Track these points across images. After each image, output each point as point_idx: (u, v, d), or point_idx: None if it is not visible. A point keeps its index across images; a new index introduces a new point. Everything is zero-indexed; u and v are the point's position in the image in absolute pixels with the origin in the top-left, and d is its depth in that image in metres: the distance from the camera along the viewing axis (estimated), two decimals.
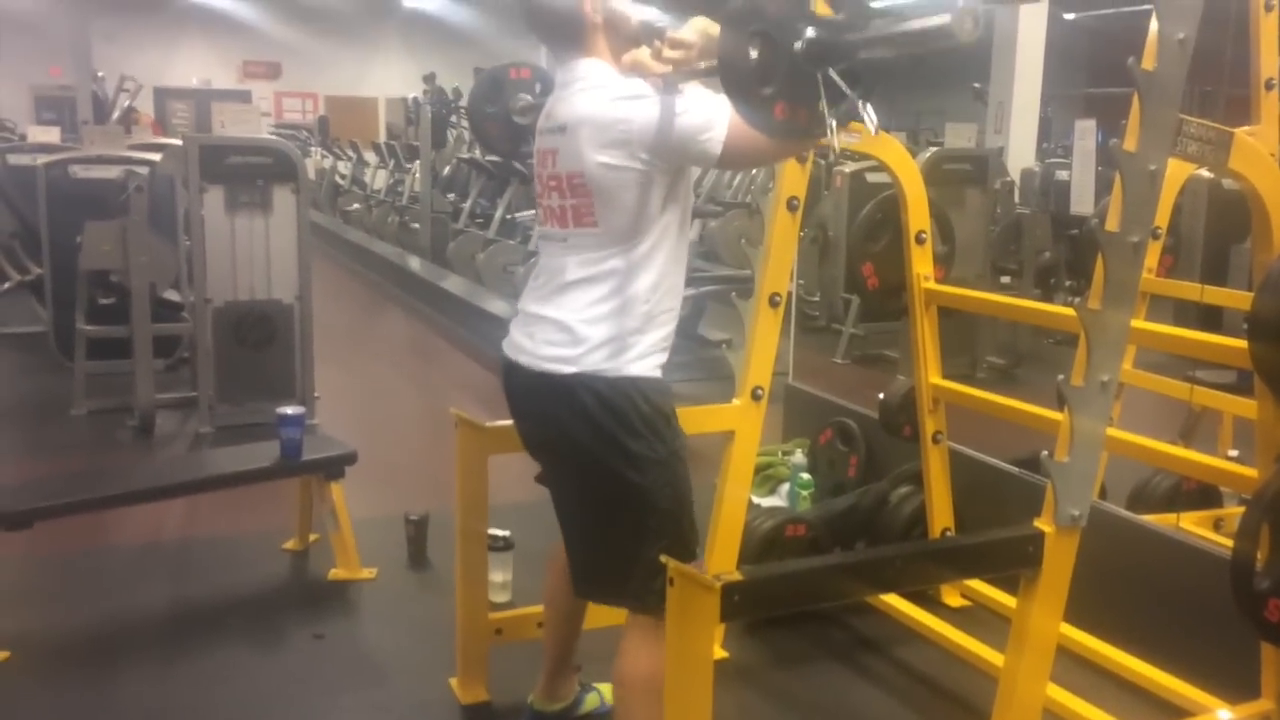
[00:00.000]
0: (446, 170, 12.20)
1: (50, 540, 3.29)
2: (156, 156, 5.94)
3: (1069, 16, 17.15)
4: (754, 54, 1.63)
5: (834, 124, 1.61)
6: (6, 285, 7.33)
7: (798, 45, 1.61)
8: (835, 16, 1.63)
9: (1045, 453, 2.06)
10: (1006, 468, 3.45)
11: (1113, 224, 2.01)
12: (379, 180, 13.33)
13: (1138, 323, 2.87)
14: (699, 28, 2.04)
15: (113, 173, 5.73)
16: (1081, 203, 6.50)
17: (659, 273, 2.08)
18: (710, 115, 1.92)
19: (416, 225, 10.71)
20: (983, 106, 11.06)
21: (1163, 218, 3.47)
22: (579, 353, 2.05)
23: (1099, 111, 15.20)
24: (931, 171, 6.36)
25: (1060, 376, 2.04)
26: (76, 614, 3.29)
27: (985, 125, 10.60)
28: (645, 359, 2.09)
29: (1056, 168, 8.42)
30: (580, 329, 2.06)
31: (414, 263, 9.91)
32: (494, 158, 9.80)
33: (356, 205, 13.33)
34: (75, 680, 2.91)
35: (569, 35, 2.11)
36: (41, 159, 6.14)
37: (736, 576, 1.82)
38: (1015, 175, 9.44)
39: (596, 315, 2.06)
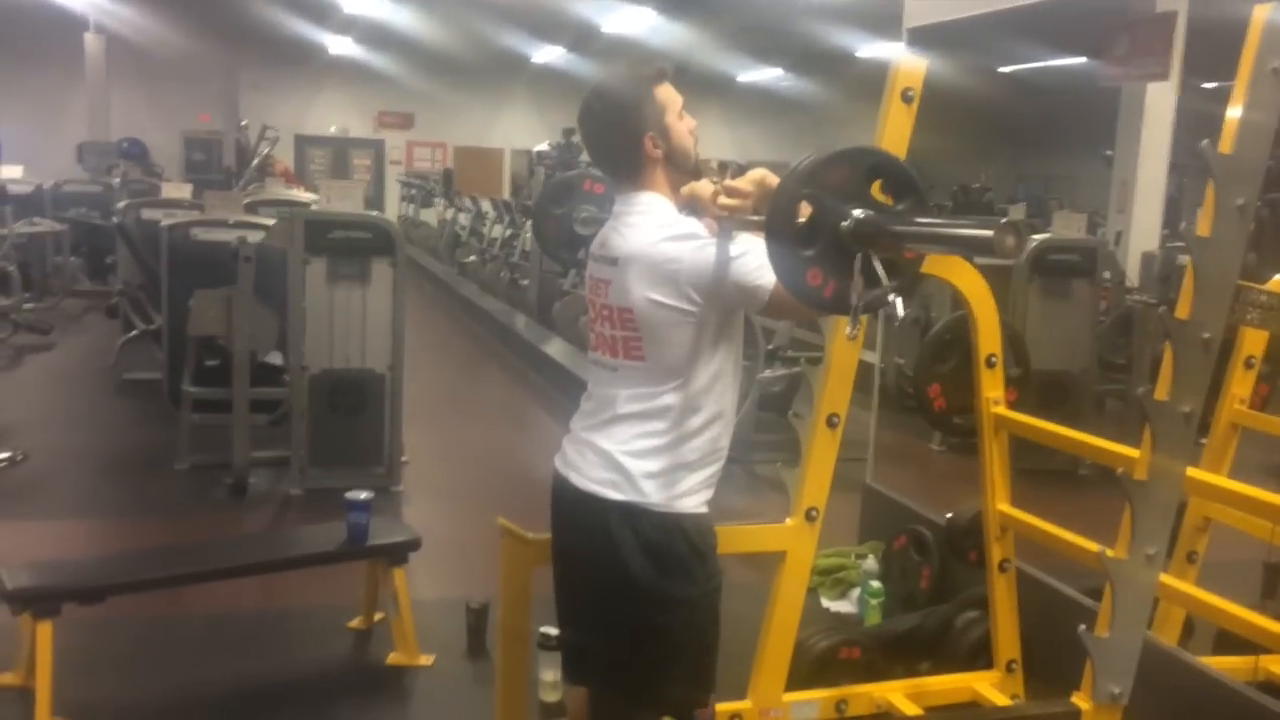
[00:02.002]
0: None
1: (125, 607, 3.40)
2: (271, 222, 6.18)
3: (1209, 86, 16.61)
4: (803, 217, 1.65)
5: (858, 306, 1.62)
6: (133, 333, 7.74)
7: (845, 224, 1.63)
8: (893, 205, 1.65)
9: (1083, 627, 1.96)
10: (1079, 598, 3.30)
11: (1162, 392, 1.92)
12: (496, 232, 13.61)
13: (1210, 477, 2.73)
14: (756, 178, 2.02)
15: (229, 237, 5.98)
16: None
17: (709, 412, 2.07)
18: (762, 263, 1.88)
19: (526, 282, 10.89)
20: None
21: (1257, 346, 3.31)
22: (627, 482, 2.05)
23: None
24: (1037, 262, 6.20)
25: (1100, 549, 1.95)
26: (142, 685, 3.41)
27: (1110, 200, 10.28)
28: (692, 495, 2.09)
29: (1179, 252, 8.09)
30: (628, 463, 2.05)
31: (519, 322, 10.07)
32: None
33: (473, 258, 13.62)
34: None
35: (628, 168, 2.12)
36: (166, 220, 6.46)
37: None
38: (1136, 257, 9.10)
39: (644, 449, 2.05)
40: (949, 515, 3.35)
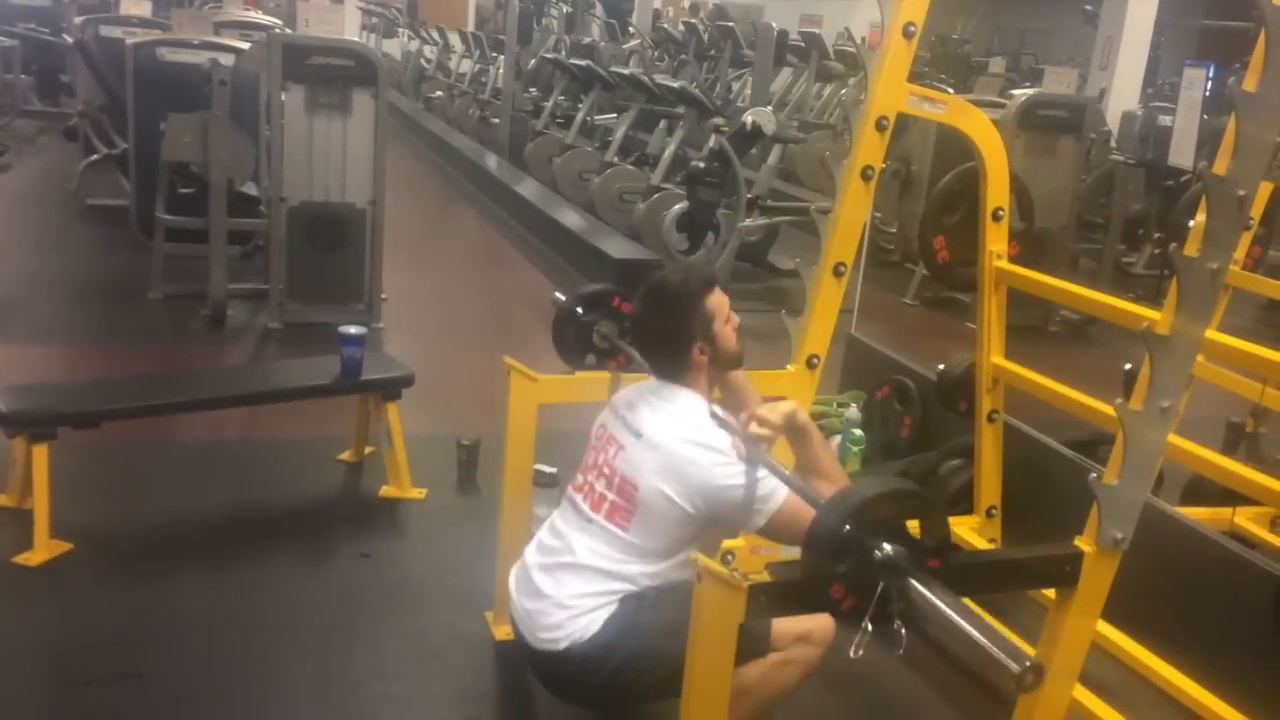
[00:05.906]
0: (531, 64, 12.05)
1: (118, 433, 3.39)
2: (244, 45, 5.94)
3: None
4: (842, 533, 1.73)
5: (868, 628, 1.72)
6: (94, 157, 7.50)
7: (877, 555, 1.72)
8: (922, 541, 1.75)
9: (1093, 475, 2.02)
10: (1061, 450, 3.39)
11: (1192, 248, 1.93)
12: (464, 67, 13.21)
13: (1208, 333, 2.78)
14: (786, 412, 2.13)
15: (199, 58, 5.75)
16: (1181, 154, 6.25)
17: (663, 584, 2.21)
18: (771, 491, 2.09)
19: (497, 120, 10.63)
20: (1093, 30, 10.50)
21: (1256, 208, 3.34)
22: (566, 623, 2.19)
23: (1214, 46, 14.45)
24: (1025, 117, 6.15)
25: (1118, 400, 1.99)
26: (138, 510, 3.43)
27: (1092, 55, 10.15)
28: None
29: (1159, 112, 8.07)
30: (572, 603, 2.20)
31: (491, 161, 9.87)
32: (578, 62, 9.65)
33: (440, 93, 13.25)
34: (131, 578, 3.05)
35: (674, 368, 2.29)
36: (130, 38, 6.17)
37: (765, 577, 1.83)
38: (1116, 116, 9.08)
39: (590, 605, 2.19)
40: (941, 366, 3.41)
